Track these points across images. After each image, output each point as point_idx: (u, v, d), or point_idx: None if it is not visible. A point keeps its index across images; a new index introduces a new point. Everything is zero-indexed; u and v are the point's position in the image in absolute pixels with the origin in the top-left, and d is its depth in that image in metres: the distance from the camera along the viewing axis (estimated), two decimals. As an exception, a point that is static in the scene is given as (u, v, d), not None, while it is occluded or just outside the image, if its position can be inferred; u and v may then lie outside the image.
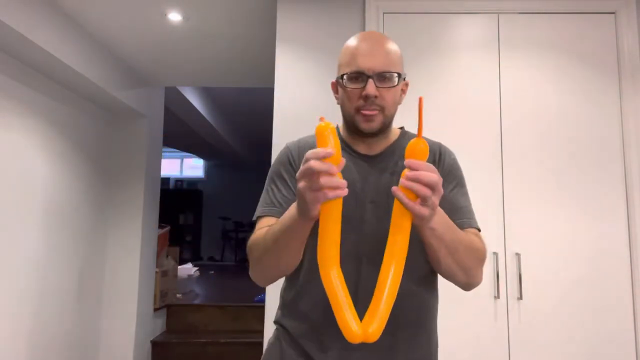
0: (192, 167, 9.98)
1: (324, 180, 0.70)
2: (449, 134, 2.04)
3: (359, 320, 0.72)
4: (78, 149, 3.05)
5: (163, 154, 4.06)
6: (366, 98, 0.93)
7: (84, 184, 3.11)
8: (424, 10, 2.11)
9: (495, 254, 1.95)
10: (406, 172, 0.73)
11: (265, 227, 0.96)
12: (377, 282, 0.74)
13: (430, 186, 0.71)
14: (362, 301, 0.84)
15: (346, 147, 1.02)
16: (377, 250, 0.91)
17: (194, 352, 3.71)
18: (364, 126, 0.96)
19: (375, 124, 0.96)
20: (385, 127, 1.00)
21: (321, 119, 0.74)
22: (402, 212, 0.74)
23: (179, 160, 9.91)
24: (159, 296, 3.90)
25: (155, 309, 3.83)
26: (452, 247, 0.86)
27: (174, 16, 2.53)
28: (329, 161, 0.71)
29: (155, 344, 3.71)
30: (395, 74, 0.96)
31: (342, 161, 0.73)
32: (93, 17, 2.55)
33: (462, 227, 0.96)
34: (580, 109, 2.04)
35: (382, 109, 0.96)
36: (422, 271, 0.97)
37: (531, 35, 2.08)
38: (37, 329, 2.61)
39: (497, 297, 1.93)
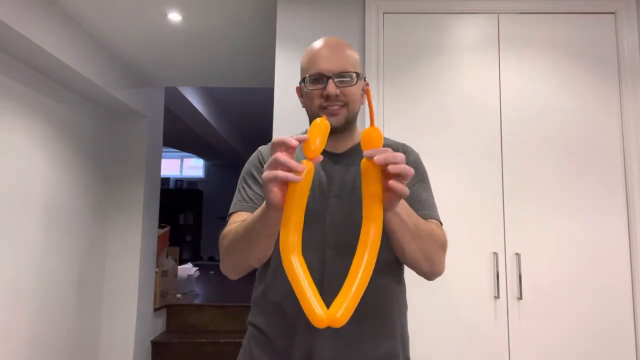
0: (192, 167, 9.98)
1: (279, 157, 0.72)
2: (448, 134, 2.04)
3: (324, 305, 0.71)
4: (78, 149, 3.05)
5: (163, 154, 4.06)
6: (327, 97, 0.99)
7: (83, 184, 3.11)
8: (424, 10, 2.11)
9: (495, 254, 1.95)
10: (373, 158, 0.74)
11: (235, 222, 0.99)
12: (350, 269, 0.74)
13: (399, 164, 0.74)
14: (327, 291, 0.86)
15: None
16: (342, 241, 0.96)
17: (194, 352, 3.71)
18: (330, 120, 0.97)
19: (340, 118, 1.01)
20: (350, 122, 1.04)
21: (322, 118, 0.79)
22: (373, 200, 0.75)
23: (179, 160, 9.91)
24: (159, 296, 3.90)
25: (155, 309, 3.83)
26: (414, 233, 0.89)
27: (174, 16, 2.53)
28: (309, 151, 0.75)
29: (155, 344, 3.71)
30: (354, 73, 1.02)
31: (319, 157, 0.76)
32: (93, 17, 2.55)
33: (424, 218, 1.00)
34: (580, 108, 2.04)
35: (345, 104, 1.01)
36: (388, 262, 1.00)
37: (531, 35, 2.08)
38: (37, 329, 2.61)
39: (497, 297, 1.93)
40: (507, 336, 1.92)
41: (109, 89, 2.98)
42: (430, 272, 0.98)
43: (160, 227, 4.04)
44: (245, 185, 1.09)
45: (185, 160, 9.91)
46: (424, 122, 2.04)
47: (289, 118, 2.14)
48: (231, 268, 0.99)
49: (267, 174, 0.73)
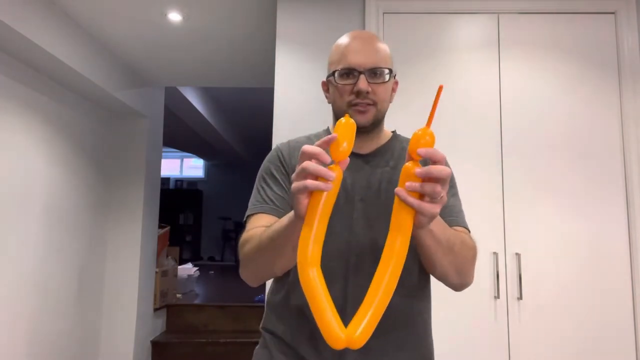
0: (192, 167, 9.98)
1: (309, 166, 0.67)
2: (448, 134, 2.04)
3: (342, 323, 0.67)
4: (78, 149, 3.05)
5: (163, 154, 4.06)
6: (358, 93, 0.93)
7: (84, 184, 3.11)
8: (424, 10, 2.11)
9: (495, 254, 1.95)
10: (411, 167, 0.68)
11: (257, 226, 0.94)
12: (371, 284, 0.69)
13: (441, 180, 0.67)
14: (350, 301, 0.85)
15: None
16: (367, 248, 0.92)
17: (194, 352, 3.71)
18: (358, 118, 0.94)
19: (369, 116, 0.96)
20: (378, 121, 0.99)
21: (346, 116, 0.73)
22: (403, 212, 0.69)
23: (179, 160, 9.91)
24: (159, 296, 3.90)
25: (155, 309, 3.83)
26: (447, 247, 0.84)
27: (174, 16, 2.53)
28: (337, 154, 0.69)
29: (155, 344, 3.71)
30: (386, 70, 0.96)
31: (347, 160, 0.71)
32: (93, 17, 2.55)
33: (450, 225, 0.95)
34: (580, 108, 2.04)
35: (374, 103, 0.96)
36: (414, 276, 0.96)
37: (531, 35, 2.08)
38: (37, 329, 2.61)
39: (497, 297, 1.93)
40: (507, 336, 1.91)
41: (109, 89, 2.98)
42: (459, 284, 0.94)
43: (160, 227, 4.04)
44: (264, 185, 1.02)
45: (185, 160, 9.91)
46: (424, 122, 2.04)
47: (289, 118, 2.14)
48: (253, 276, 0.94)
49: (296, 184, 0.68)
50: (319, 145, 0.69)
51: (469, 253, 0.93)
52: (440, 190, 0.66)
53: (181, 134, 5.95)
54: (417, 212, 0.69)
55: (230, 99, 5.28)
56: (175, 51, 3.03)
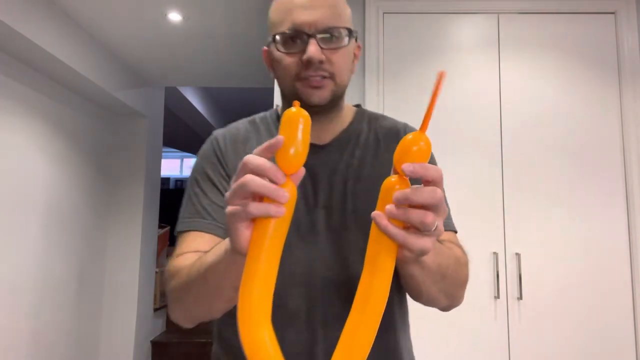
0: (192, 167, 9.98)
1: (251, 182, 0.48)
2: (448, 134, 2.04)
3: None
4: (78, 149, 3.05)
5: (163, 154, 4.06)
6: (309, 63, 0.71)
7: (84, 184, 3.11)
8: (424, 10, 2.11)
9: (495, 254, 1.95)
10: (393, 185, 0.51)
11: (188, 251, 0.73)
12: (340, 340, 0.52)
13: (435, 207, 0.49)
14: (316, 339, 0.70)
15: None
16: (336, 277, 0.73)
17: (194, 352, 3.71)
18: (311, 95, 0.73)
19: (324, 93, 0.73)
20: (337, 99, 0.77)
21: (295, 104, 0.52)
22: (382, 243, 0.52)
23: (179, 160, 9.91)
24: (159, 296, 3.90)
25: (155, 309, 3.83)
26: (439, 274, 0.67)
27: (174, 16, 2.53)
28: (287, 164, 0.50)
29: (155, 344, 3.71)
30: (345, 31, 0.74)
31: (302, 171, 0.51)
32: (93, 17, 2.55)
33: None
34: (580, 109, 2.03)
35: (331, 76, 0.74)
36: (394, 306, 0.80)
37: (531, 35, 2.08)
38: (37, 329, 2.61)
39: (497, 297, 1.93)
40: (507, 336, 1.91)
41: (109, 89, 2.98)
42: (447, 307, 0.79)
43: (160, 227, 4.03)
44: (197, 190, 0.79)
45: (185, 160, 9.91)
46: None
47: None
48: (184, 318, 0.72)
49: (233, 209, 0.49)
50: (259, 154, 0.50)
51: (463, 272, 0.76)
52: (433, 220, 0.49)
53: (181, 134, 5.95)
54: (402, 247, 0.51)
55: (230, 99, 5.28)
56: (175, 51, 3.03)
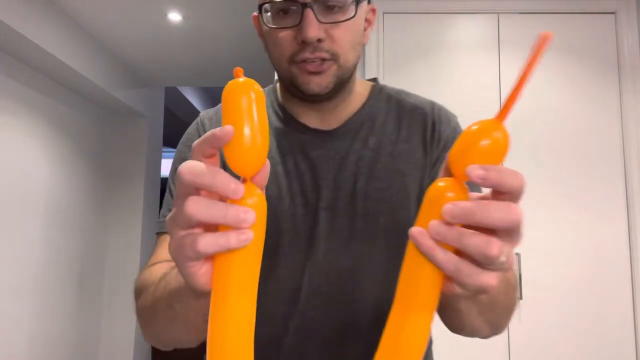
0: (192, 167, 9.97)
1: (196, 212, 0.34)
2: (449, 134, 2.04)
3: None
4: (78, 149, 3.05)
5: (163, 154, 4.06)
6: (304, 44, 0.57)
7: (84, 184, 3.11)
8: (424, 10, 2.11)
9: (495, 254, 1.95)
10: (444, 191, 0.35)
11: (159, 261, 0.61)
12: None
13: (508, 232, 0.34)
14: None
15: (286, 118, 0.67)
16: (335, 289, 0.60)
17: (194, 352, 3.69)
18: (308, 86, 0.59)
19: (326, 79, 0.59)
20: (343, 84, 0.63)
21: (236, 73, 0.37)
22: (423, 271, 0.36)
23: (179, 160, 9.91)
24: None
25: (155, 309, 3.83)
26: (487, 304, 0.53)
27: (174, 16, 2.53)
28: (238, 158, 0.35)
29: (155, 344, 3.71)
30: None
31: (266, 166, 0.37)
32: (93, 17, 2.55)
33: None
34: (580, 109, 2.03)
35: (334, 57, 0.59)
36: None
37: (531, 35, 2.08)
38: (37, 329, 2.61)
39: (497, 297, 1.93)
40: (507, 336, 1.91)
41: (109, 89, 2.98)
42: (488, 336, 0.63)
43: (160, 227, 4.03)
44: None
45: (185, 160, 9.91)
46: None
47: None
48: (157, 344, 0.60)
49: (176, 246, 0.36)
50: (198, 157, 0.35)
51: (514, 297, 0.59)
52: (499, 251, 0.33)
53: (181, 134, 5.93)
54: (450, 280, 0.36)
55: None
56: (175, 51, 3.03)
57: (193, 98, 4.61)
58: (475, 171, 0.33)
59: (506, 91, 2.09)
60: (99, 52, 2.87)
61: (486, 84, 2.06)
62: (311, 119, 0.66)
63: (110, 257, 3.41)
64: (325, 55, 0.58)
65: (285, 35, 0.58)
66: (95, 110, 3.26)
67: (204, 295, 0.38)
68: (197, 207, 0.34)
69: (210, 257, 0.37)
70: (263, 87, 0.79)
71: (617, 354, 1.89)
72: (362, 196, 0.63)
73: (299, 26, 0.56)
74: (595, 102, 2.03)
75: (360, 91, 0.70)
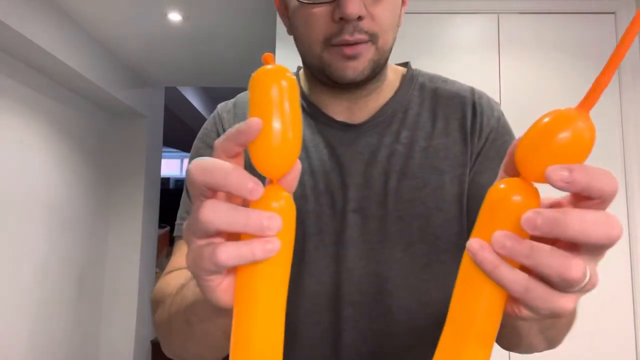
0: (192, 167, 9.98)
1: (216, 220, 0.30)
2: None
3: None
4: (78, 149, 3.05)
5: (163, 154, 4.06)
6: (344, 22, 0.51)
7: (84, 184, 3.11)
8: (424, 10, 2.11)
9: (495, 254, 1.95)
10: (510, 195, 0.30)
11: (177, 268, 0.57)
12: None
13: (598, 248, 0.28)
14: None
15: (311, 110, 0.61)
16: (367, 298, 0.55)
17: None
18: (343, 72, 0.53)
19: (362, 64, 0.53)
20: (379, 70, 0.57)
21: (266, 59, 0.32)
22: (482, 291, 0.30)
23: (179, 160, 9.92)
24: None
25: (155, 309, 3.83)
26: (549, 323, 0.48)
27: (174, 16, 2.53)
28: (266, 157, 0.31)
29: (155, 344, 3.71)
30: None
31: (297, 166, 0.33)
32: (93, 17, 2.55)
33: None
34: (580, 109, 2.04)
35: (373, 38, 0.53)
36: None
37: (531, 35, 2.08)
38: (37, 329, 2.61)
39: (497, 297, 1.93)
40: (507, 336, 1.91)
41: (109, 89, 2.98)
42: (541, 351, 0.60)
43: (160, 227, 4.03)
44: None
45: (185, 160, 9.92)
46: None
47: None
48: (174, 357, 0.55)
49: (194, 259, 0.32)
50: (219, 154, 0.32)
51: (572, 319, 0.54)
52: (583, 272, 0.27)
53: (181, 134, 5.95)
54: (516, 300, 0.31)
55: (230, 99, 5.29)
56: (175, 51, 3.03)
57: (193, 98, 4.61)
58: (557, 172, 0.27)
59: (506, 91, 2.10)
60: (99, 52, 2.87)
61: (486, 84, 2.06)
62: (338, 110, 0.59)
63: (110, 257, 3.41)
64: (364, 37, 0.51)
65: (320, 11, 0.50)
66: (95, 110, 3.27)
67: (224, 312, 0.35)
68: (214, 214, 0.30)
69: (232, 270, 0.33)
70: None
71: (617, 354, 1.89)
72: (394, 197, 0.56)
73: (337, 1, 0.49)
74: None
75: (391, 78, 0.62)
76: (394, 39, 0.57)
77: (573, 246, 0.27)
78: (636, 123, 2.00)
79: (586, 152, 0.29)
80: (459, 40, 2.10)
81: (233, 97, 0.69)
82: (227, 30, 2.71)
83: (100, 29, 2.70)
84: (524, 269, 0.29)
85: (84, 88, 2.90)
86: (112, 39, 2.84)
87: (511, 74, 2.06)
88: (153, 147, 3.71)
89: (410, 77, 0.64)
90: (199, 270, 0.32)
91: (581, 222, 0.26)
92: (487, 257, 0.29)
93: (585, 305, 1.98)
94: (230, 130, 0.31)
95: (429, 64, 2.07)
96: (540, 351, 0.58)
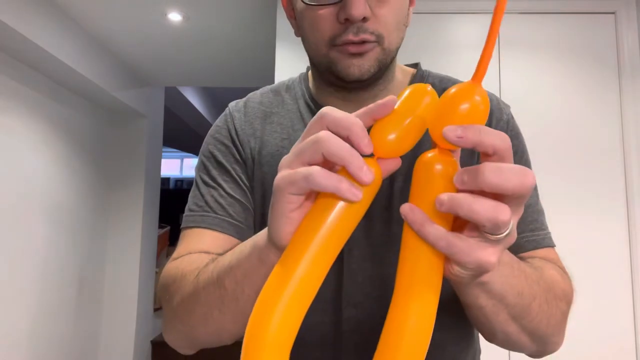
0: (192, 167, 9.99)
1: (329, 143, 0.34)
2: (449, 134, 2.04)
3: None
4: (78, 149, 3.05)
5: (163, 154, 4.06)
6: (348, 23, 0.52)
7: (84, 184, 3.11)
8: (424, 10, 2.11)
9: (495, 254, 1.95)
10: (433, 162, 0.34)
11: (194, 250, 0.57)
12: None
13: (516, 196, 0.32)
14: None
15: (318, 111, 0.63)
16: (370, 299, 0.56)
17: (195, 356, 3.70)
18: (348, 70, 0.54)
19: (367, 63, 0.54)
20: (384, 68, 0.58)
21: (427, 85, 0.38)
22: (421, 252, 0.35)
23: (179, 160, 9.92)
24: (159, 296, 3.90)
25: (155, 309, 3.83)
26: (518, 307, 0.47)
27: (174, 16, 2.53)
28: (383, 132, 0.35)
29: (155, 344, 3.71)
30: None
31: (397, 160, 0.37)
32: (93, 17, 2.55)
33: (526, 247, 0.64)
34: (580, 109, 2.03)
35: (378, 39, 0.54)
36: (455, 320, 0.59)
37: (531, 35, 2.08)
38: (37, 329, 2.61)
39: (497, 297, 1.93)
40: (507, 336, 1.91)
41: (109, 89, 2.98)
42: (537, 353, 0.60)
43: (160, 227, 4.04)
44: (207, 179, 0.62)
45: (185, 160, 9.92)
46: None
47: (289, 118, 2.14)
48: (183, 341, 0.59)
49: (287, 173, 0.35)
50: (360, 116, 0.35)
51: (559, 308, 0.54)
52: (509, 217, 0.31)
53: (181, 134, 5.95)
54: (449, 260, 0.35)
55: (230, 99, 5.26)
56: (175, 51, 3.03)
57: (193, 98, 4.61)
58: (452, 132, 0.31)
59: (506, 91, 2.10)
60: (99, 52, 2.87)
61: (486, 84, 2.05)
62: (346, 111, 0.56)
63: (110, 257, 3.41)
64: (370, 37, 0.53)
65: (326, 13, 0.52)
66: (95, 110, 3.26)
67: (272, 256, 0.38)
68: (331, 141, 0.33)
69: (305, 208, 0.36)
70: (257, 88, 0.80)
71: (617, 354, 1.89)
72: (400, 199, 0.56)
73: (342, 2, 0.51)
74: (595, 102, 2.03)
75: (400, 79, 0.63)
76: (402, 39, 0.58)
77: (498, 197, 0.31)
78: (636, 123, 2.00)
79: (482, 119, 0.33)
80: (459, 40, 2.10)
81: (233, 97, 0.71)
82: (227, 31, 2.71)
83: (100, 28, 2.70)
84: (454, 229, 0.34)
85: (84, 88, 2.90)
86: (112, 39, 2.84)
87: (511, 74, 2.06)
88: (153, 147, 3.71)
89: (420, 78, 0.65)
90: (288, 185, 0.34)
91: (498, 172, 0.30)
92: (416, 217, 0.33)
93: (586, 306, 1.99)
94: (368, 107, 0.35)
95: (429, 64, 2.07)
96: (532, 352, 0.59)
